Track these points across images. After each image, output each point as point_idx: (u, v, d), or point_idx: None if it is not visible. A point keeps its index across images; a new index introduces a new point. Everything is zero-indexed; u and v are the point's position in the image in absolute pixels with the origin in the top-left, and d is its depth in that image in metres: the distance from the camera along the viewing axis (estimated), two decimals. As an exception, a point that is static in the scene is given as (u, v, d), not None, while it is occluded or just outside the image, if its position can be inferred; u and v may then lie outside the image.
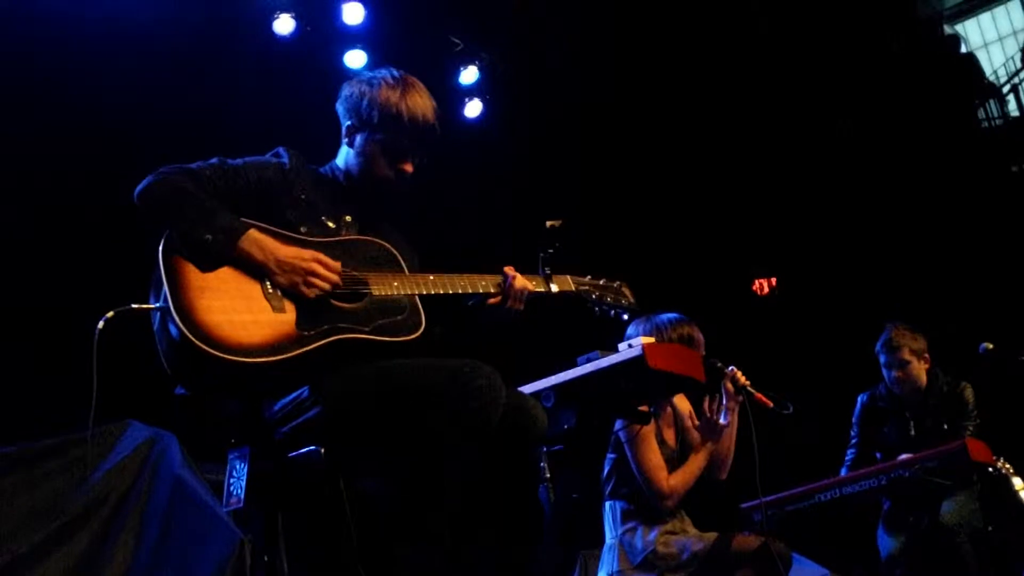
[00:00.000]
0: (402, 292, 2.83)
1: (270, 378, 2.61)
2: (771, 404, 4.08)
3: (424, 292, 2.86)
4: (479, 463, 2.61)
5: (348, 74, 6.04)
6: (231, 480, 2.74)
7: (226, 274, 2.65)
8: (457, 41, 7.18)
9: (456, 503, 2.60)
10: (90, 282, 4.73)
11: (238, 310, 2.60)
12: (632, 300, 3.26)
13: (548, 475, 3.78)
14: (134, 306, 2.63)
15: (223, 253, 2.65)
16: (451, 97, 7.28)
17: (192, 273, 2.60)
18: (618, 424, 4.09)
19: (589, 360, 3.23)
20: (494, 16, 7.25)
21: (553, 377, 3.13)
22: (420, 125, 2.95)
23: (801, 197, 8.52)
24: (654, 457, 4.08)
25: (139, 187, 2.71)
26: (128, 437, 3.80)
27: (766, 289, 9.30)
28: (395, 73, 3.01)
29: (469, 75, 7.28)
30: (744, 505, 4.73)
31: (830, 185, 8.57)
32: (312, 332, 2.66)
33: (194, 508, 3.54)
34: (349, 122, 3.00)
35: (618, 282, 3.29)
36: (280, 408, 2.73)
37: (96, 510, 3.51)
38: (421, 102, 2.96)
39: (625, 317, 3.24)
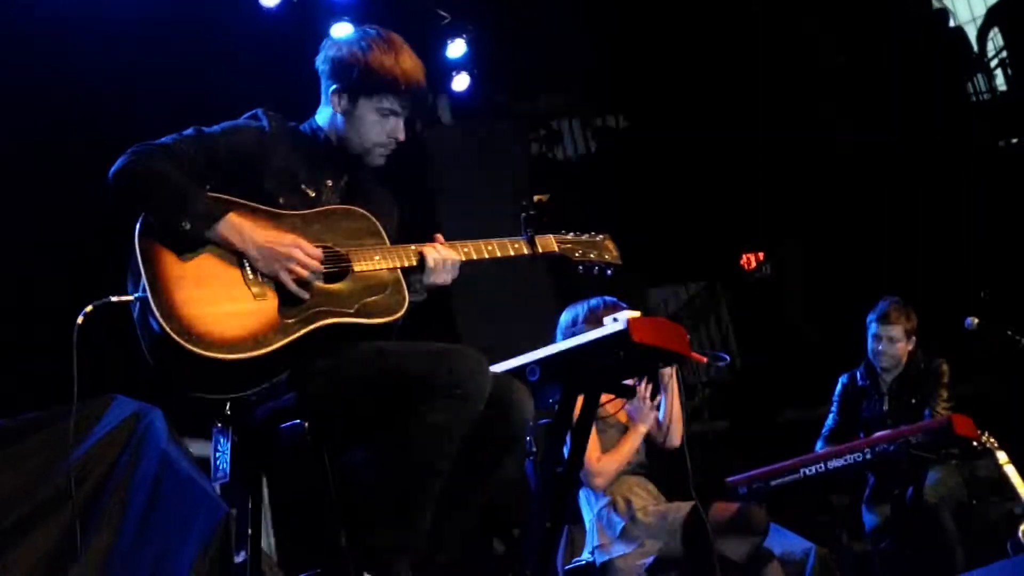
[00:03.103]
0: (383, 266, 2.77)
1: (252, 372, 2.57)
2: (705, 360, 3.99)
3: (405, 264, 2.81)
4: (461, 449, 2.60)
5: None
6: (217, 454, 2.74)
7: (205, 261, 2.60)
8: (444, 14, 7.13)
9: (439, 483, 2.59)
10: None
11: (218, 300, 2.55)
12: (616, 254, 3.23)
13: (535, 449, 3.78)
14: (113, 299, 2.58)
15: (201, 240, 2.60)
16: (438, 71, 7.24)
17: (170, 260, 2.56)
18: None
19: (575, 335, 3.22)
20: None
21: (538, 351, 3.12)
22: (415, 88, 2.87)
23: (791, 171, 8.51)
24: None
25: (113, 168, 2.64)
26: (113, 411, 3.77)
27: (754, 264, 9.32)
28: (382, 33, 2.91)
29: (456, 49, 7.21)
30: (730, 479, 4.75)
31: (819, 160, 8.56)
32: (294, 320, 2.62)
33: (180, 483, 3.53)
34: (337, 85, 2.88)
35: (600, 236, 3.24)
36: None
37: (80, 485, 3.48)
38: (413, 64, 2.88)
39: (609, 273, 3.21)
